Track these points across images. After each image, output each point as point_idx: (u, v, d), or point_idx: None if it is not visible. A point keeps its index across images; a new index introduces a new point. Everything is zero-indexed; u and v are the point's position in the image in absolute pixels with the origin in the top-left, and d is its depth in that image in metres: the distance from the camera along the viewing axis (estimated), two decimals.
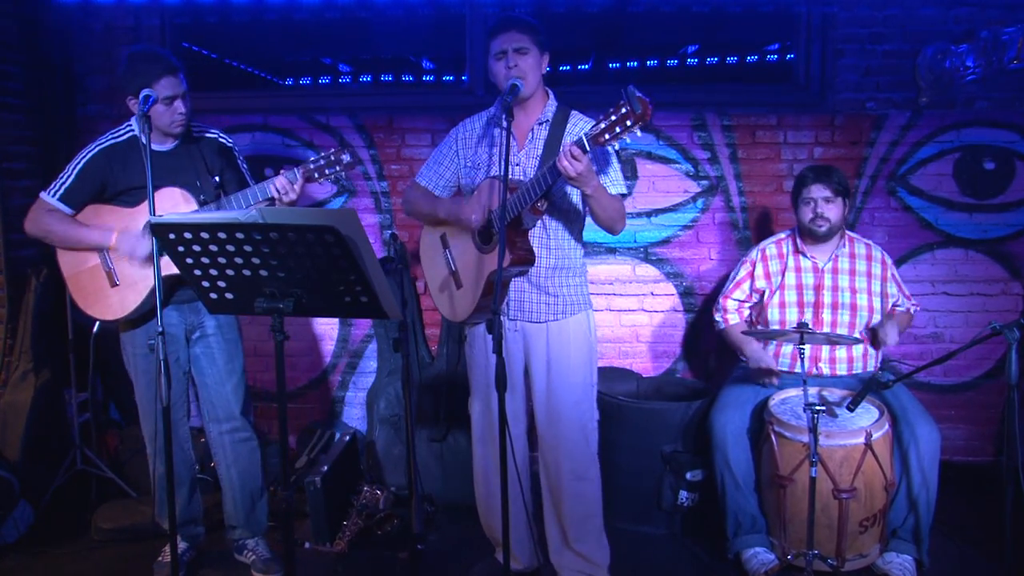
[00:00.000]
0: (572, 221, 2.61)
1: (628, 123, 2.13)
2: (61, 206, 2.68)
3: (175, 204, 2.65)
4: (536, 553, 2.81)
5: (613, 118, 2.15)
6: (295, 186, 2.58)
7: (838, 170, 3.12)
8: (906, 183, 3.76)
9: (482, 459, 2.77)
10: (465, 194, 2.69)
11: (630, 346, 3.92)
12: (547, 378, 2.61)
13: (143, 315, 2.74)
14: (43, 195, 2.69)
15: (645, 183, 3.81)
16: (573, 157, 2.22)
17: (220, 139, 2.86)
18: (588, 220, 2.63)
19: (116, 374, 3.77)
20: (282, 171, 2.61)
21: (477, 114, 2.74)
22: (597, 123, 2.20)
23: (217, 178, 2.73)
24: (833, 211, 3.07)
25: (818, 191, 3.06)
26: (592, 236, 2.73)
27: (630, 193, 2.64)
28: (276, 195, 2.60)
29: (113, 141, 2.70)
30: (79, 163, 2.68)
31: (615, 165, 2.56)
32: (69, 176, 2.68)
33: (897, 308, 3.19)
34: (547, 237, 2.57)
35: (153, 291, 2.63)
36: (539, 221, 2.54)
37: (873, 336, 3.16)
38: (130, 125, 2.72)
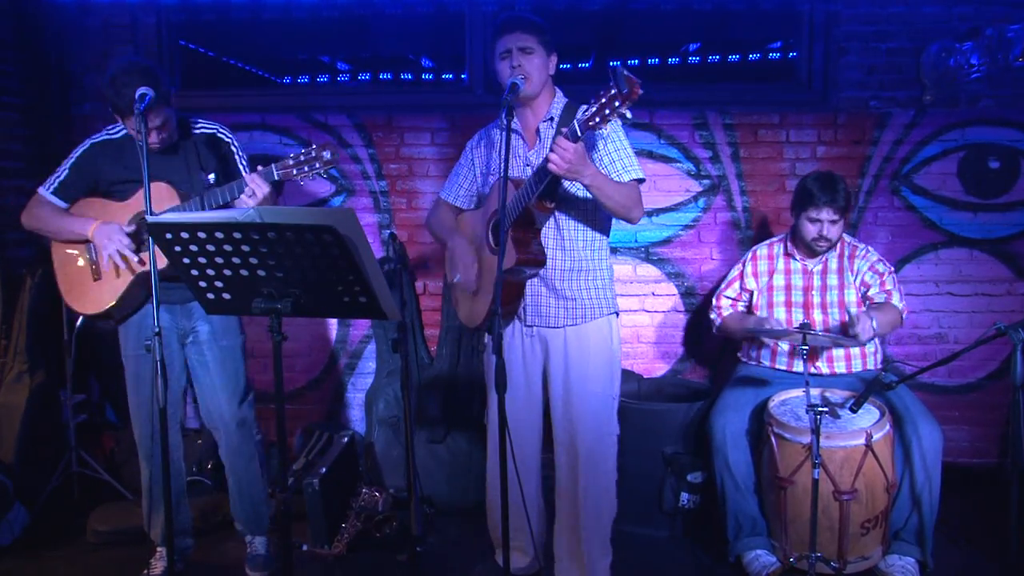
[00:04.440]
0: (589, 220, 2.54)
1: (616, 104, 2.08)
2: (54, 199, 2.73)
3: (160, 199, 2.60)
4: (537, 556, 2.78)
5: (603, 100, 2.11)
6: (263, 187, 2.48)
7: (842, 183, 3.02)
8: (910, 182, 3.74)
9: (494, 463, 2.73)
10: (482, 201, 2.69)
11: (631, 347, 3.89)
12: (565, 385, 2.55)
13: (131, 313, 2.73)
14: (39, 189, 2.75)
15: (646, 182, 3.76)
16: (560, 147, 2.18)
17: (218, 134, 2.79)
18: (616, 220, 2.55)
19: (112, 375, 3.76)
20: (259, 168, 2.54)
21: (492, 123, 2.71)
22: (587, 108, 2.16)
23: (212, 175, 2.70)
24: (836, 231, 3.05)
25: (827, 214, 3.00)
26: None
27: (645, 179, 2.57)
28: (245, 200, 2.50)
29: (107, 137, 2.74)
30: (73, 158, 2.74)
31: (627, 150, 2.50)
32: (63, 170, 2.75)
33: (874, 300, 3.09)
34: (562, 237, 2.52)
35: (133, 288, 2.64)
36: (553, 221, 2.50)
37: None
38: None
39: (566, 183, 2.44)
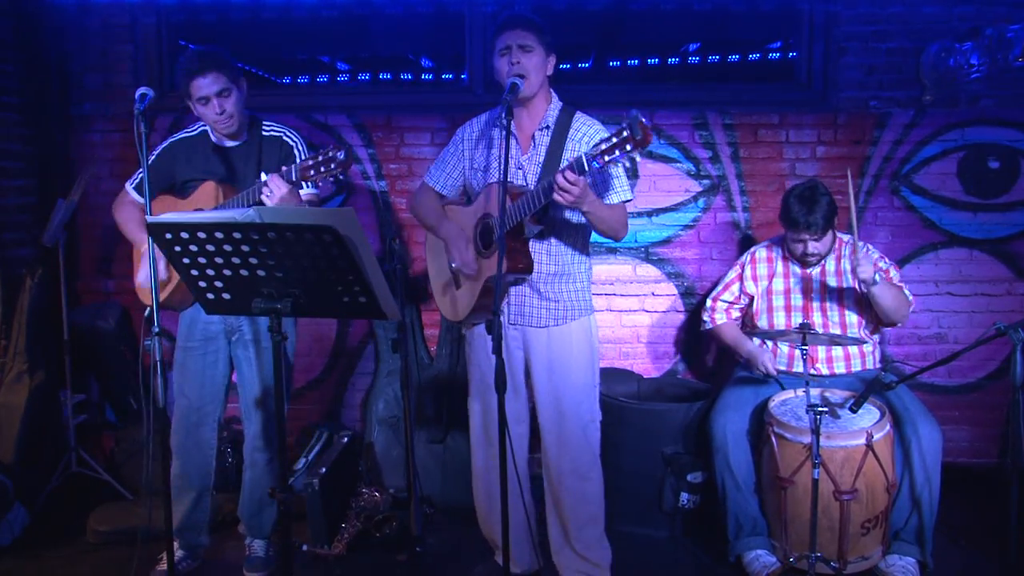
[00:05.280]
0: (576, 229, 2.59)
1: (628, 147, 2.13)
2: (135, 196, 2.86)
3: (208, 197, 2.72)
4: (536, 555, 2.79)
5: (614, 141, 2.15)
6: (282, 187, 2.52)
7: (824, 196, 2.97)
8: (909, 182, 3.74)
9: (481, 460, 2.76)
10: (471, 195, 2.70)
11: (631, 347, 3.89)
12: (549, 381, 2.60)
13: (186, 307, 2.82)
14: (126, 185, 2.90)
15: (646, 182, 3.78)
16: (569, 182, 2.22)
17: (284, 137, 2.85)
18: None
19: (112, 375, 3.76)
20: (282, 168, 2.57)
21: (483, 113, 2.73)
22: (596, 146, 2.19)
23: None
24: (823, 245, 3.04)
25: (808, 235, 3.01)
26: (593, 236, 2.70)
27: (634, 197, 2.60)
28: (266, 200, 2.54)
29: (185, 135, 2.86)
30: (152, 155, 2.83)
31: (619, 173, 2.54)
32: (144, 169, 2.81)
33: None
34: (548, 243, 2.56)
35: (182, 284, 2.63)
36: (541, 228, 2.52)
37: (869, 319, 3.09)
38: (202, 122, 2.81)
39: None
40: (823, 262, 3.12)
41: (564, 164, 2.30)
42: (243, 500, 2.99)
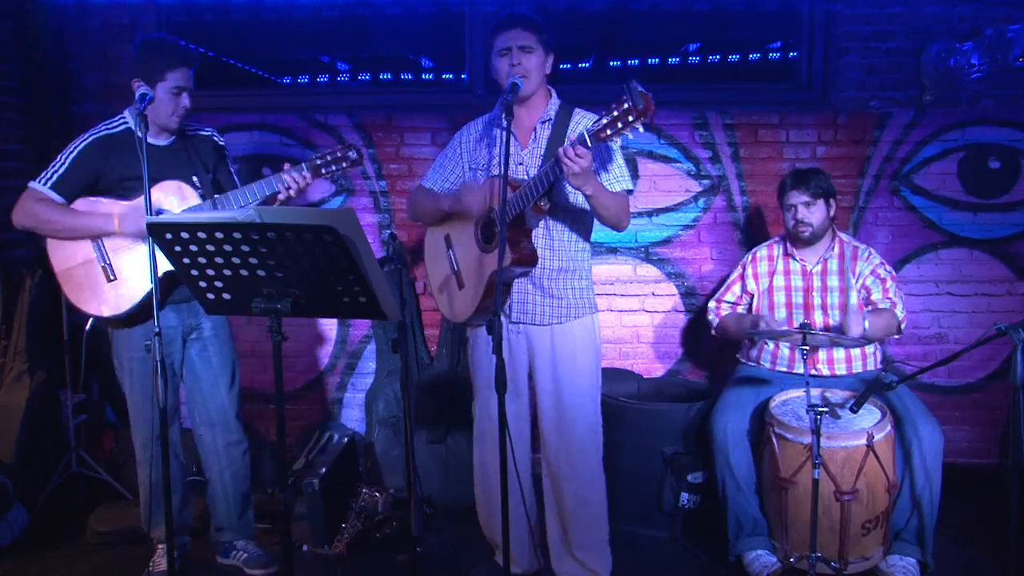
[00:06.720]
0: (578, 222, 2.58)
1: (630, 118, 2.11)
2: (53, 195, 2.59)
3: (180, 197, 2.62)
4: (536, 556, 2.79)
5: (615, 113, 2.13)
6: (302, 184, 2.56)
7: (819, 173, 3.09)
8: (910, 182, 3.74)
9: (482, 461, 2.75)
10: None
11: (631, 347, 3.89)
12: (552, 381, 2.59)
13: (138, 314, 2.66)
14: (33, 184, 2.60)
15: (646, 182, 3.78)
16: (577, 155, 2.20)
17: (214, 137, 2.85)
18: (596, 221, 2.59)
19: (112, 375, 3.75)
20: (285, 167, 2.58)
21: (480, 116, 2.73)
22: (599, 119, 2.18)
23: (211, 175, 2.74)
24: (815, 215, 3.05)
25: (796, 197, 3.05)
26: (593, 236, 2.70)
27: (634, 190, 2.60)
28: (283, 192, 2.56)
29: (107, 132, 2.65)
30: (72, 152, 2.62)
31: (619, 161, 2.54)
32: (62, 165, 2.61)
33: (877, 307, 3.08)
34: (551, 239, 2.55)
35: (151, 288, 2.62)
36: (543, 222, 2.52)
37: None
38: (123, 118, 2.68)
39: (566, 188, 2.45)
40: (825, 260, 3.12)
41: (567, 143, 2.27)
42: (227, 503, 2.91)
